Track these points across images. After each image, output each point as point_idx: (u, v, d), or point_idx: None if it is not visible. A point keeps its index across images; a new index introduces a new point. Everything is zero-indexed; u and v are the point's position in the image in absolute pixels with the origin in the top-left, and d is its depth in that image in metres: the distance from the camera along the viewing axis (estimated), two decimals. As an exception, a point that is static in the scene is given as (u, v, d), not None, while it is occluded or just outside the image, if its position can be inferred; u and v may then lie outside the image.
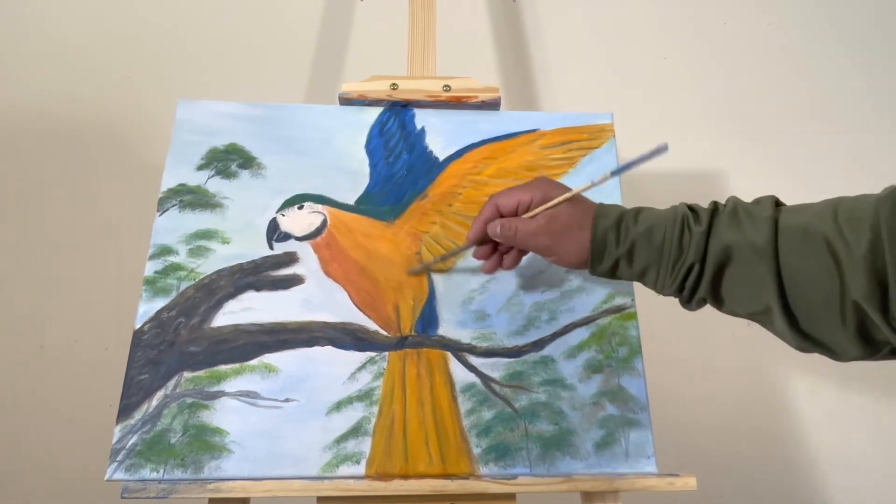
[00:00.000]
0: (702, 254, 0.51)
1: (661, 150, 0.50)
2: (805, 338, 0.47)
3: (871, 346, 0.44)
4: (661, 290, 0.56)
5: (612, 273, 0.58)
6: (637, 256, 0.55)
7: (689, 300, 0.54)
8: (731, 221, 0.50)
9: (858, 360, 0.46)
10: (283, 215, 0.70)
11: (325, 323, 0.65)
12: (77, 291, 1.01)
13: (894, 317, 0.40)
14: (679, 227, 0.53)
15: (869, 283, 0.41)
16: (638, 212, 0.56)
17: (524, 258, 0.66)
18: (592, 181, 0.57)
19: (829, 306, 0.44)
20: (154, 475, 0.57)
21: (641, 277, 0.56)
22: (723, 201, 0.54)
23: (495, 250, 0.64)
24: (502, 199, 0.60)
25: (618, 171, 0.56)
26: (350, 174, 0.73)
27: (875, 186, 1.12)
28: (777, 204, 0.50)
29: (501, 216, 0.61)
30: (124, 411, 0.59)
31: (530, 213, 0.59)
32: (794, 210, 0.48)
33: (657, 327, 0.78)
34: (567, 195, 0.58)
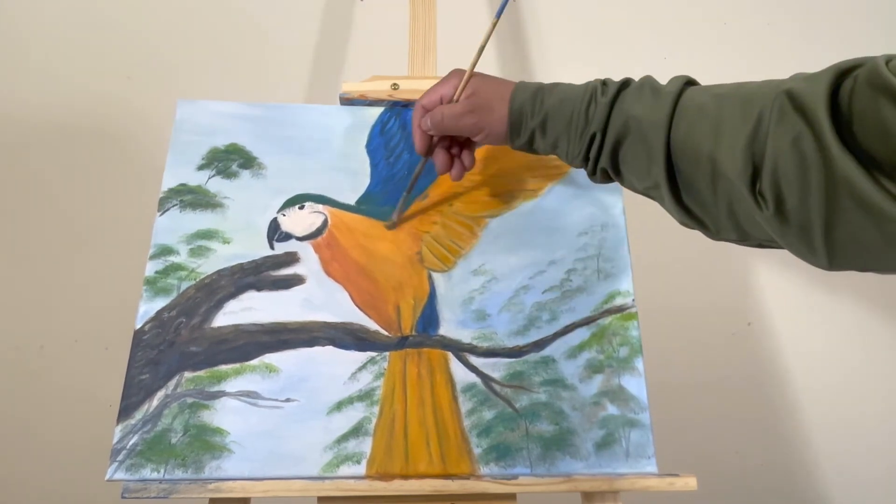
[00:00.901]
0: (603, 124, 0.53)
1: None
2: (686, 212, 0.49)
3: (741, 232, 0.46)
4: (570, 162, 0.57)
5: (530, 146, 0.60)
6: (549, 128, 0.57)
7: (594, 172, 0.56)
8: (636, 96, 0.51)
9: (733, 243, 0.48)
10: (284, 215, 0.70)
11: (325, 323, 0.65)
12: (77, 291, 1.01)
13: (761, 192, 0.41)
14: (587, 99, 0.54)
15: (743, 162, 0.42)
16: (554, 86, 0.58)
17: (517, 247, 0.68)
18: (491, 26, 0.62)
19: (704, 181, 0.45)
20: (155, 475, 0.57)
21: (554, 149, 0.58)
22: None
23: (451, 158, 0.66)
24: (425, 98, 0.63)
25: (500, 11, 0.61)
26: (351, 174, 0.73)
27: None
28: (689, 83, 0.50)
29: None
30: (125, 411, 0.59)
31: (456, 95, 0.61)
32: (700, 89, 0.49)
33: (658, 327, 0.78)
34: (472, 64, 0.61)
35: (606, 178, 0.56)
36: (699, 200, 0.47)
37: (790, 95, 0.40)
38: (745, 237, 0.46)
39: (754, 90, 0.44)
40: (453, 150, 0.66)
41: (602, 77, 0.56)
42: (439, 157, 0.65)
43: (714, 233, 0.49)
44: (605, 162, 0.54)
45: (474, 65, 0.61)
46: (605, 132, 0.53)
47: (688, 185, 0.48)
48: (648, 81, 0.52)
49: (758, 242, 0.46)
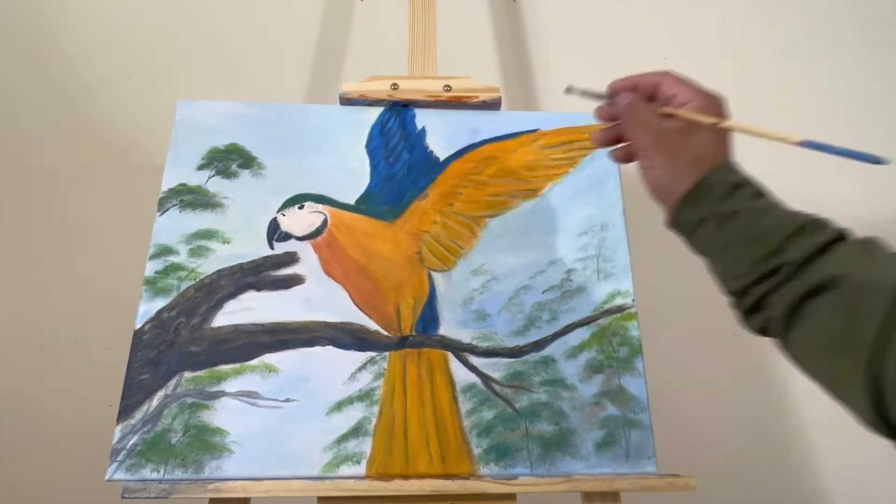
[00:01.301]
0: (801, 262, 0.41)
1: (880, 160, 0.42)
2: (884, 422, 0.36)
3: None
4: (724, 282, 0.46)
5: (694, 229, 0.47)
6: (730, 227, 0.45)
7: (751, 311, 0.44)
8: (863, 251, 0.40)
9: None
10: (284, 215, 0.70)
11: (325, 323, 0.65)
12: (77, 291, 1.01)
13: None
14: (796, 227, 0.42)
15: None
16: (763, 193, 0.47)
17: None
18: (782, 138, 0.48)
19: None
20: (154, 475, 0.57)
21: (718, 254, 0.46)
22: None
23: (617, 141, 0.54)
24: (670, 81, 0.51)
25: (817, 147, 0.46)
26: (351, 174, 0.73)
27: (873, 186, 1.12)
28: None
29: (647, 97, 0.52)
30: (125, 411, 0.59)
31: (668, 110, 0.50)
32: None
33: (657, 327, 0.78)
34: (711, 119, 0.48)
35: (762, 330, 0.44)
36: None
37: None
38: None
39: None
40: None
41: None
42: (606, 136, 0.55)
43: None
44: (777, 309, 0.41)
45: (732, 129, 0.50)
46: (798, 270, 0.41)
47: None
48: (880, 242, 0.41)
49: None
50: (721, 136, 0.49)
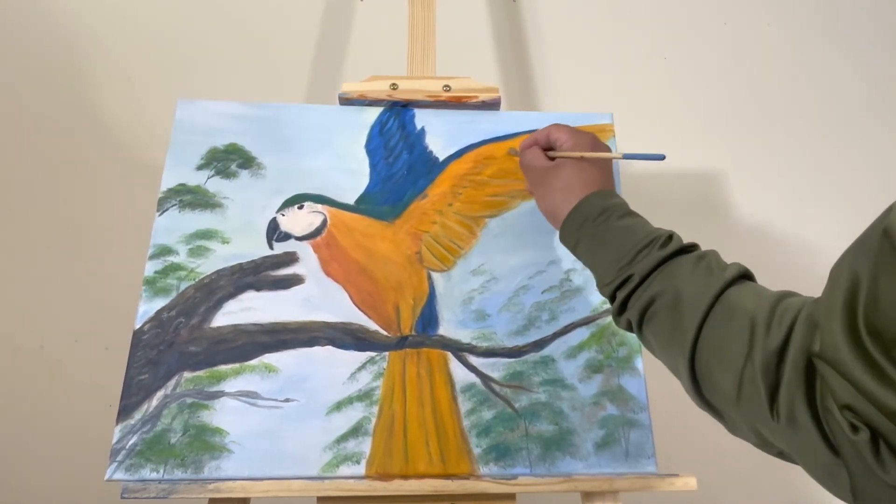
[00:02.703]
0: (646, 273, 0.50)
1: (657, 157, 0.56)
2: (706, 403, 0.46)
3: (761, 438, 0.43)
4: (600, 287, 0.55)
5: (574, 247, 0.58)
6: (599, 244, 0.55)
7: (619, 313, 0.53)
8: (691, 267, 0.49)
9: (752, 444, 0.45)
10: (283, 215, 0.70)
11: (325, 323, 0.65)
12: (77, 291, 1.01)
13: (778, 414, 0.39)
14: (646, 242, 0.52)
15: (765, 379, 0.40)
16: (629, 213, 0.56)
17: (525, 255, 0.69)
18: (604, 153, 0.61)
19: (728, 384, 0.43)
20: (154, 475, 0.57)
21: (593, 266, 0.56)
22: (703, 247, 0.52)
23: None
24: (555, 131, 0.64)
25: (627, 156, 0.61)
26: (350, 174, 0.73)
27: (874, 187, 1.12)
28: (744, 276, 0.48)
29: (547, 146, 0.65)
30: (124, 411, 0.59)
31: (552, 154, 0.63)
32: (747, 288, 0.46)
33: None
34: (582, 154, 0.61)
35: (628, 327, 0.53)
36: (721, 398, 0.44)
37: (814, 316, 0.39)
38: (764, 443, 0.44)
39: (790, 302, 0.42)
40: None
41: None
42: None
43: (731, 429, 0.46)
44: (632, 313, 0.51)
45: (589, 157, 0.61)
46: (642, 280, 0.50)
47: (710, 380, 0.45)
48: (710, 257, 0.49)
49: (778, 451, 0.43)
50: (588, 167, 0.61)
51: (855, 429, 0.35)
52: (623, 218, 0.55)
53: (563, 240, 0.60)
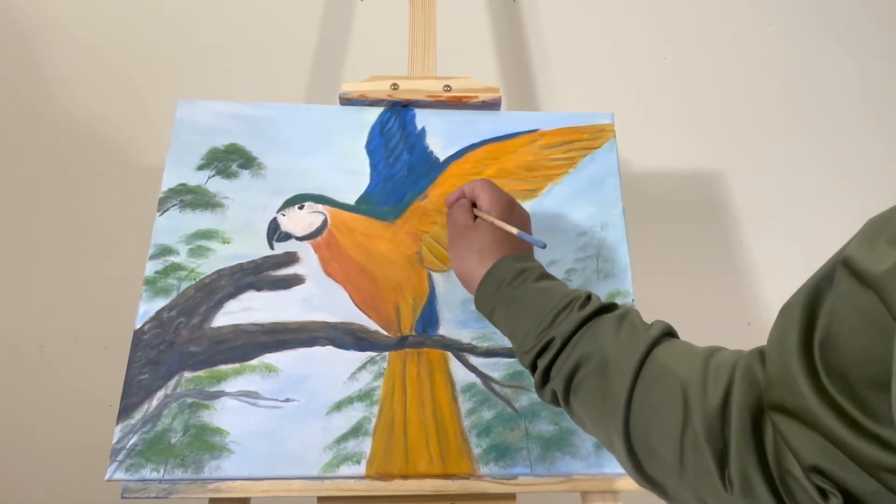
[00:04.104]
0: (567, 337, 0.46)
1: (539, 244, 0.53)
2: (644, 478, 0.43)
3: None
4: (520, 357, 0.51)
5: (491, 313, 0.54)
6: (515, 309, 0.51)
7: (542, 385, 0.48)
8: (613, 325, 0.46)
9: None
10: (284, 215, 0.70)
11: (325, 323, 0.65)
12: (77, 291, 1.01)
13: (731, 484, 0.36)
14: (565, 303, 0.48)
15: (710, 445, 0.37)
16: (546, 276, 0.54)
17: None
18: (518, 232, 0.57)
19: (669, 454, 0.39)
20: (154, 475, 0.57)
21: (511, 333, 0.52)
22: (626, 303, 0.51)
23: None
24: (477, 188, 0.61)
25: (520, 234, 0.57)
26: (350, 174, 0.73)
27: (874, 187, 1.12)
28: (669, 334, 0.46)
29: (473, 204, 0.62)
30: (125, 411, 0.59)
31: (475, 212, 0.60)
32: (675, 345, 0.44)
33: (657, 327, 0.78)
34: (493, 220, 0.57)
35: (554, 400, 0.49)
36: (662, 470, 0.41)
37: (758, 355, 0.37)
38: None
39: (722, 357, 0.40)
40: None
41: None
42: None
43: (673, 500, 0.42)
44: (556, 382, 0.47)
45: (510, 230, 0.57)
46: (564, 345, 0.46)
47: (649, 451, 0.41)
48: (631, 316, 0.47)
49: None
50: (503, 231, 0.57)
51: (825, 495, 0.31)
52: (539, 280, 0.52)
53: (478, 305, 0.55)
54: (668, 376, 0.41)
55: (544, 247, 0.55)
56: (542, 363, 0.47)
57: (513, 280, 0.52)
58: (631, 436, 0.42)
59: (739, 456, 0.35)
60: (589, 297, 0.49)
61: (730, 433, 0.36)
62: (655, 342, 0.43)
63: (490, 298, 0.53)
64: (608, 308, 0.48)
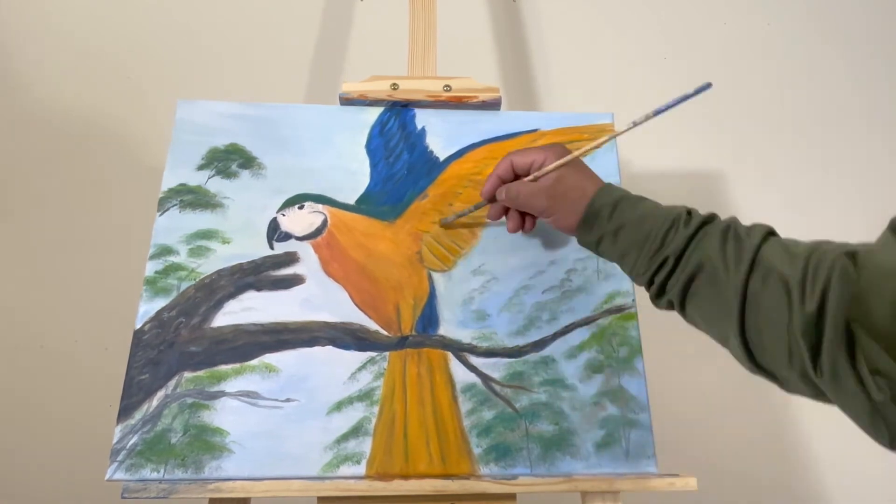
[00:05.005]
0: (679, 253, 0.52)
1: (704, 88, 0.50)
2: (758, 367, 0.48)
3: (813, 388, 0.45)
4: (635, 278, 0.57)
5: (596, 247, 0.59)
6: (622, 237, 0.56)
7: (658, 297, 0.55)
8: (719, 238, 0.50)
9: (806, 396, 0.47)
10: (284, 215, 0.70)
11: (325, 323, 0.65)
12: (77, 291, 1.01)
13: (821, 371, 0.42)
14: (668, 224, 0.53)
15: (805, 340, 0.43)
16: (639, 200, 0.57)
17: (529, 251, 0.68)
18: (599, 142, 0.59)
19: (779, 344, 0.45)
20: (154, 475, 0.57)
21: (621, 260, 0.57)
22: (724, 215, 0.54)
23: (508, 210, 0.67)
24: (518, 156, 0.63)
25: (658, 112, 0.55)
26: (350, 174, 0.73)
27: (874, 188, 1.12)
28: (770, 234, 0.50)
29: (514, 173, 0.64)
30: (125, 411, 0.59)
31: (535, 174, 0.62)
32: (779, 245, 0.48)
33: (657, 327, 0.78)
34: (571, 156, 0.60)
35: (670, 308, 0.55)
36: (773, 360, 0.47)
37: (851, 258, 0.42)
38: (819, 395, 0.45)
39: (821, 256, 0.44)
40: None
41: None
42: (496, 211, 0.67)
43: (786, 387, 0.48)
44: (673, 293, 0.52)
45: (580, 155, 0.60)
46: (678, 261, 0.52)
47: (760, 342, 0.47)
48: (733, 225, 0.51)
49: (828, 400, 0.45)
50: (586, 170, 0.61)
51: (880, 387, 0.39)
52: (636, 206, 0.56)
53: (582, 242, 0.60)
54: (774, 280, 0.46)
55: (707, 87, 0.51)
56: (658, 279, 0.53)
57: (612, 212, 0.57)
58: (746, 335, 0.47)
59: (830, 351, 0.41)
60: (689, 213, 0.54)
61: (824, 332, 0.42)
62: (759, 248, 0.48)
63: (595, 233, 0.58)
64: (709, 220, 0.53)
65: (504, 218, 0.68)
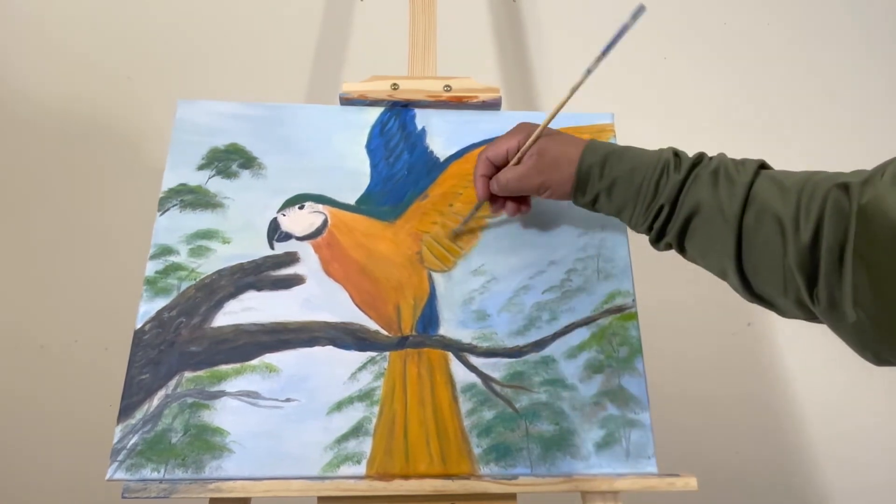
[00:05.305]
0: (673, 200, 0.54)
1: (638, 12, 0.52)
2: (755, 296, 0.51)
3: (809, 313, 0.48)
4: (634, 228, 0.59)
5: (593, 206, 0.61)
6: (616, 193, 0.58)
7: (657, 241, 0.57)
8: (710, 181, 0.52)
9: (801, 319, 0.50)
10: (284, 215, 0.70)
11: (325, 323, 0.65)
12: (77, 291, 1.01)
13: (818, 300, 0.45)
14: (659, 172, 0.55)
15: (801, 272, 0.45)
16: (624, 151, 0.59)
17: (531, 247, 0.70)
18: (567, 94, 0.58)
19: (775, 276, 0.48)
20: (155, 475, 0.57)
21: (619, 214, 0.59)
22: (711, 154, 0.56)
23: (507, 199, 0.68)
24: (490, 151, 0.64)
25: (605, 51, 0.55)
26: (351, 174, 0.73)
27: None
28: (762, 168, 0.52)
29: (494, 166, 0.65)
30: (125, 411, 0.59)
31: (518, 156, 0.62)
32: (770, 180, 0.50)
33: (657, 327, 0.78)
34: (542, 126, 0.61)
35: (668, 249, 0.58)
36: (769, 289, 0.49)
37: (843, 190, 0.43)
38: (813, 319, 0.48)
39: (813, 187, 0.46)
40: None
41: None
42: (499, 203, 0.67)
43: (783, 314, 0.51)
44: (671, 237, 0.55)
45: (545, 126, 0.61)
46: (673, 208, 0.54)
47: (757, 275, 0.50)
48: (723, 164, 0.53)
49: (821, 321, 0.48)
50: (564, 136, 0.63)
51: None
52: (624, 159, 0.58)
53: (579, 205, 0.62)
54: (767, 216, 0.48)
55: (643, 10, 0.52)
56: (657, 226, 0.56)
57: (601, 171, 0.58)
58: (743, 268, 0.50)
59: (827, 281, 0.43)
60: (677, 155, 0.56)
61: (819, 262, 0.44)
62: (751, 184, 0.50)
63: (587, 196, 0.60)
64: (698, 161, 0.55)
65: (503, 212, 0.68)
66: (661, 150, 0.57)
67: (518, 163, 0.63)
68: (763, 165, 0.52)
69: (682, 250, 0.57)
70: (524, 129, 0.63)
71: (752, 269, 0.50)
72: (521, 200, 0.67)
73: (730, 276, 0.52)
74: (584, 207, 0.62)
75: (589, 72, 0.55)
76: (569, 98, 0.58)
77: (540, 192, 0.62)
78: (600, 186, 0.58)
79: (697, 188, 0.53)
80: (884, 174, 0.42)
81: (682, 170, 0.54)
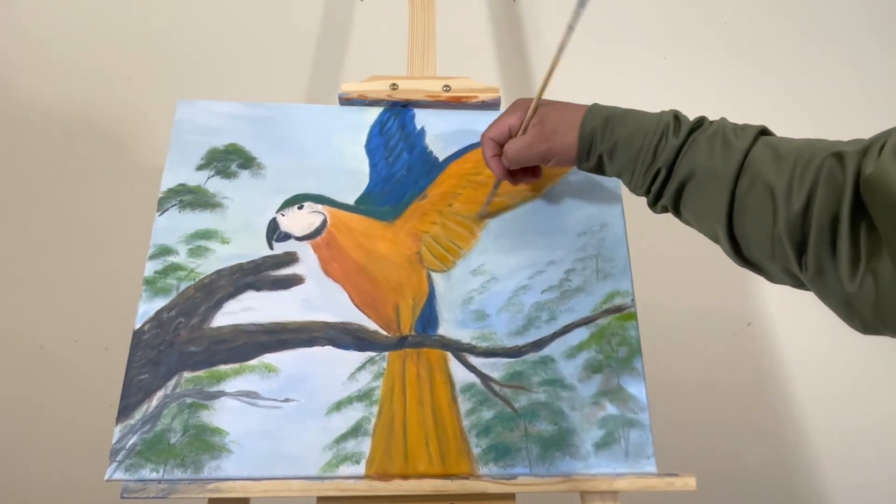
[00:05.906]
0: (670, 164, 0.55)
1: None
2: (745, 261, 0.53)
3: (796, 280, 0.49)
4: (634, 191, 0.60)
5: (598, 170, 0.62)
6: (617, 157, 0.59)
7: (654, 204, 0.58)
8: (708, 146, 0.53)
9: (789, 286, 0.51)
10: (283, 215, 0.70)
11: (324, 323, 0.65)
12: (77, 291, 1.01)
13: (806, 267, 0.46)
14: (658, 136, 0.56)
15: (790, 240, 0.46)
16: (626, 114, 0.59)
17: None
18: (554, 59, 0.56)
19: (764, 243, 0.49)
20: (154, 475, 0.57)
21: (620, 176, 0.60)
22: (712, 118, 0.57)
23: (522, 172, 0.69)
24: (493, 131, 0.65)
25: (583, 4, 0.50)
26: (350, 174, 0.73)
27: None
28: (762, 134, 0.52)
29: (500, 145, 0.65)
30: (124, 411, 0.59)
31: (523, 127, 0.63)
32: (768, 147, 0.50)
33: (657, 327, 0.78)
34: (540, 90, 0.60)
35: (664, 211, 0.59)
36: (759, 255, 0.50)
37: (838, 159, 0.44)
38: (800, 285, 0.49)
39: (810, 156, 0.46)
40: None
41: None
42: (525, 178, 0.69)
43: (771, 279, 0.52)
44: (667, 200, 0.56)
45: (541, 94, 0.60)
46: (670, 172, 0.55)
47: (747, 240, 0.50)
48: (721, 129, 0.53)
49: (807, 288, 0.49)
50: (563, 104, 0.63)
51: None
52: (626, 122, 0.58)
53: (583, 168, 0.63)
54: (760, 183, 0.48)
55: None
56: (654, 188, 0.57)
57: (603, 134, 0.59)
58: (734, 232, 0.51)
59: (816, 249, 0.44)
60: (677, 118, 0.56)
61: (809, 231, 0.44)
62: (748, 150, 0.50)
63: (590, 161, 0.61)
64: (697, 125, 0.55)
65: (522, 185, 0.71)
66: (662, 113, 0.58)
67: (524, 132, 0.63)
68: (764, 131, 0.52)
69: (677, 213, 0.57)
70: (522, 104, 0.64)
71: (743, 234, 0.50)
72: (534, 172, 0.69)
73: (721, 241, 0.53)
74: (591, 172, 0.63)
75: (571, 28, 0.53)
76: (558, 57, 0.56)
77: (546, 159, 0.63)
78: (602, 149, 0.59)
79: (694, 153, 0.53)
80: (883, 147, 0.42)
81: (681, 134, 0.55)
